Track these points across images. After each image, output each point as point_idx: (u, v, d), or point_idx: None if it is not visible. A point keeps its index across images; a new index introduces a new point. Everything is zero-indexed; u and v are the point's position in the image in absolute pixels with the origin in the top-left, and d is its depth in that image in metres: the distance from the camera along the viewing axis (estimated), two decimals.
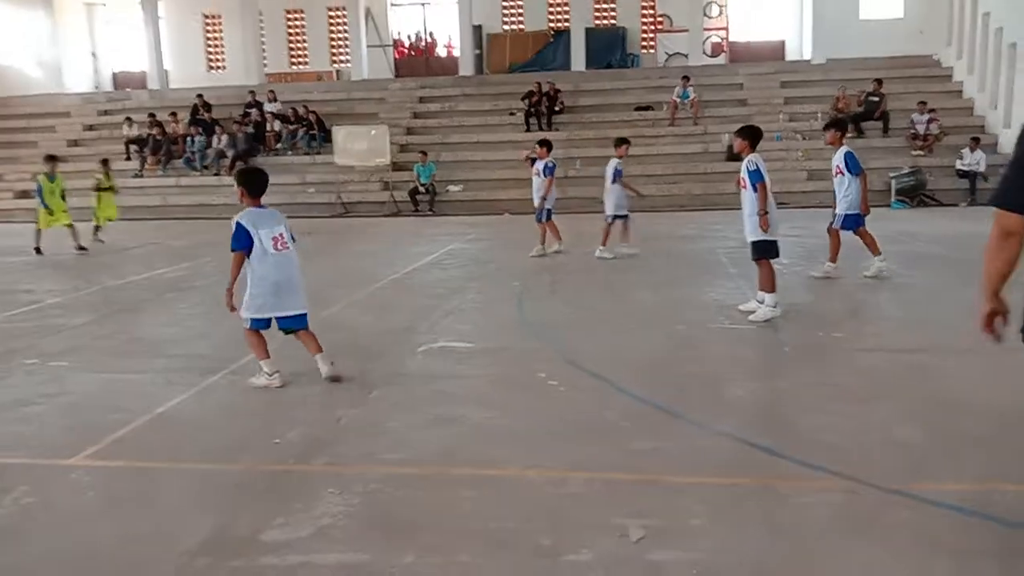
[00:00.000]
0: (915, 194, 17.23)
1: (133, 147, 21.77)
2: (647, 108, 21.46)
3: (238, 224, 5.27)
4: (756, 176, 6.87)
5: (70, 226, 13.27)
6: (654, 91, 21.95)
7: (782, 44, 25.98)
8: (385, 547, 3.25)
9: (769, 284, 6.93)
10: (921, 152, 18.46)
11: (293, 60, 28.35)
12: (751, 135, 7.06)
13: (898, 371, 5.54)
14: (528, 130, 20.94)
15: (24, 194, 21.27)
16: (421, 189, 19.06)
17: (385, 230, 15.91)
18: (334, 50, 28.15)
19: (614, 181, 10.85)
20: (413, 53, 28.10)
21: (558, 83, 21.69)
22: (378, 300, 8.56)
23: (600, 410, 4.81)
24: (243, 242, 5.25)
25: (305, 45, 28.32)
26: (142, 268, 11.29)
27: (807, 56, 23.20)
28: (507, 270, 10.20)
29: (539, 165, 11.19)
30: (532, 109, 21.05)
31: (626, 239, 11.04)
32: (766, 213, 6.92)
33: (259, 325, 5.44)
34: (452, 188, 19.66)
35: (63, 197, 13.56)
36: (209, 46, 28.32)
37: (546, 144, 11.25)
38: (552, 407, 4.94)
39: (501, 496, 3.73)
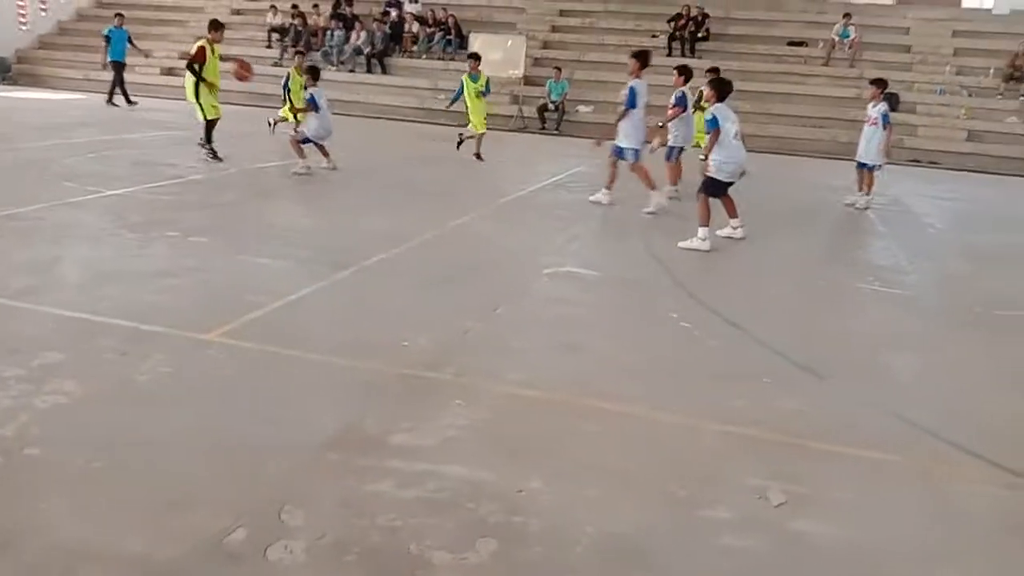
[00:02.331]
0: None
1: (275, 35, 22.12)
2: (801, 44, 20.14)
3: (312, 95, 10.19)
4: (711, 124, 7.32)
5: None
6: (810, 27, 20.56)
7: None
8: (511, 468, 3.15)
9: (704, 218, 7.30)
10: None
11: None
12: (719, 87, 7.46)
13: None
14: (670, 55, 20.04)
15: (170, 71, 22.08)
16: (551, 106, 18.63)
17: (511, 145, 15.67)
18: None
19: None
20: None
21: (708, 7, 20.57)
22: (505, 216, 8.42)
23: (738, 361, 4.55)
24: (312, 103, 10.12)
25: None
26: (275, 156, 11.52)
27: (988, 5, 21.11)
28: (636, 200, 9.83)
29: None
30: (676, 33, 20.11)
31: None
32: (705, 158, 7.36)
33: (307, 143, 10.10)
34: (582, 108, 19.12)
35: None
36: None
37: (684, 71, 9.82)
38: (685, 350, 4.70)
39: (630, 435, 3.56)
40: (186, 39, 23.17)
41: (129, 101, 17.98)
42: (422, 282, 5.67)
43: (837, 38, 19.41)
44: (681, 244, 7.20)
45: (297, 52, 14.46)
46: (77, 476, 2.90)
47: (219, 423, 3.37)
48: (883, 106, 10.25)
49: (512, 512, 2.85)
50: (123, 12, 19.59)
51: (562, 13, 22.26)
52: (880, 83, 10.48)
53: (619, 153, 9.02)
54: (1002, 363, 4.90)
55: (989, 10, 20.73)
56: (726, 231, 7.64)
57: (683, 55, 19.98)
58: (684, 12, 20.17)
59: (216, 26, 10.57)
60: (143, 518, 2.67)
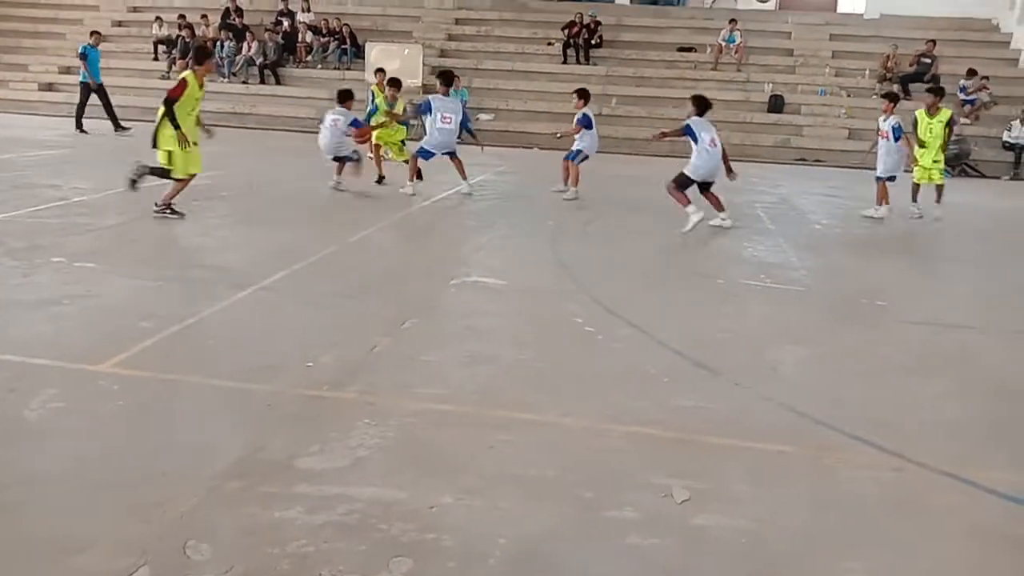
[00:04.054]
0: (957, 163, 16.75)
1: (161, 47, 21.37)
2: (690, 49, 20.84)
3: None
4: (686, 132, 8.84)
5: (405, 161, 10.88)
6: (698, 32, 21.30)
7: None
8: (422, 485, 3.15)
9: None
10: (967, 120, 17.89)
11: None
12: (697, 104, 9.00)
13: (947, 347, 5.37)
14: (565, 62, 20.44)
15: (49, 87, 21.03)
16: None
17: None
18: None
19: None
20: None
21: (600, 15, 21.04)
22: (407, 228, 8.41)
23: (639, 362, 4.67)
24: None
25: None
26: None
27: (860, 10, 22.37)
28: (539, 207, 9.98)
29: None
30: (571, 40, 20.48)
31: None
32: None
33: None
34: (483, 117, 19.22)
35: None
36: None
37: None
38: (590, 355, 4.80)
39: (539, 443, 3.62)
40: (65, 51, 22.12)
41: (119, 127, 15.86)
42: (324, 299, 5.60)
43: (724, 43, 20.17)
44: (684, 230, 8.49)
45: (379, 70, 13.78)
46: None
47: (115, 457, 3.25)
48: (894, 119, 10.13)
49: (425, 529, 2.86)
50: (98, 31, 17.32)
51: (458, 21, 22.35)
52: (892, 97, 10.35)
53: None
54: (885, 352, 5.20)
55: (861, 15, 21.95)
56: (716, 221, 8.84)
57: (578, 62, 20.40)
58: (577, 20, 20.57)
59: (205, 54, 8.35)
60: (36, 561, 2.55)
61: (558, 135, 11.72)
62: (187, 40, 21.12)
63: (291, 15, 21.86)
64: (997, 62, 19.46)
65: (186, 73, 8.06)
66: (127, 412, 3.68)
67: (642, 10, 22.62)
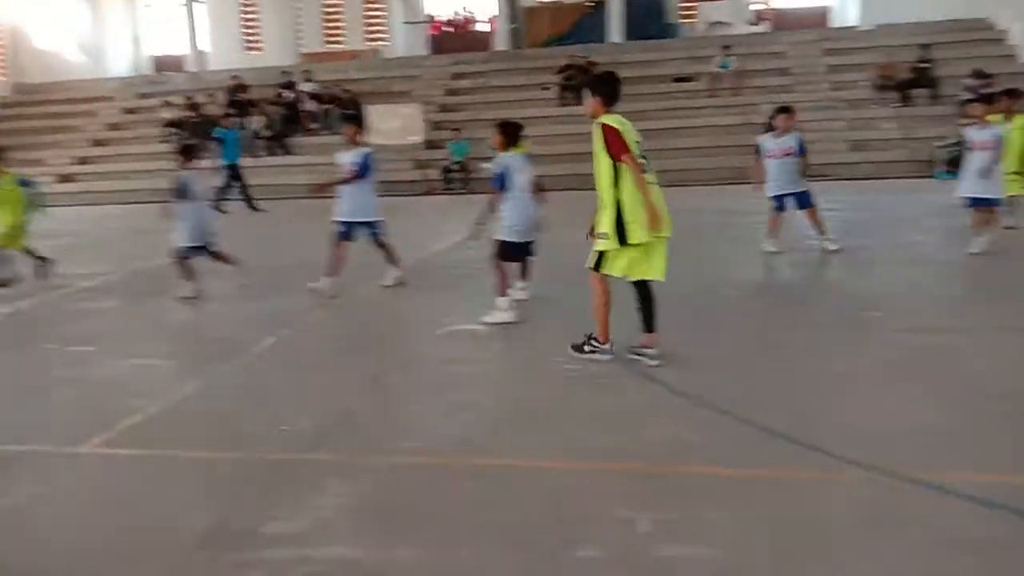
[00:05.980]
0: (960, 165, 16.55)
1: (171, 129, 21.98)
2: (686, 79, 20.96)
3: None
4: (495, 182, 6.33)
5: None
6: (694, 62, 21.41)
7: (825, 11, 25.22)
8: (386, 541, 3.16)
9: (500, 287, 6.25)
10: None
11: (328, 40, 28.44)
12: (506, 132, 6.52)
13: (928, 353, 5.27)
14: (563, 104, 20.65)
15: (67, 178, 21.68)
16: (454, 167, 18.90)
17: (416, 209, 15.82)
18: (368, 29, 28.15)
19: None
20: (453, 29, 28.04)
21: (594, 56, 21.30)
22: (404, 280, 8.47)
23: (618, 396, 4.66)
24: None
25: (340, 25, 28.39)
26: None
27: (852, 22, 22.42)
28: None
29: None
30: (567, 83, 20.74)
31: None
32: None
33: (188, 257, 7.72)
34: (485, 166, 19.42)
35: None
36: (245, 27, 28.47)
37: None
38: (568, 393, 4.79)
39: (512, 488, 3.61)
40: (82, 143, 22.86)
41: (252, 207, 16.70)
42: (311, 362, 5.67)
43: (719, 70, 20.29)
44: (484, 319, 6.21)
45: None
46: None
47: (86, 539, 3.30)
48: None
49: None
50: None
51: (455, 76, 22.77)
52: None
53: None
54: (863, 362, 5.11)
55: (855, 27, 21.98)
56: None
57: (576, 104, 20.61)
58: (571, 63, 20.85)
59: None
60: None
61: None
62: (196, 121, 21.70)
63: (292, 86, 22.40)
64: (996, 59, 19.30)
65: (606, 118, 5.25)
66: (102, 493, 3.76)
67: (636, 46, 22.84)
